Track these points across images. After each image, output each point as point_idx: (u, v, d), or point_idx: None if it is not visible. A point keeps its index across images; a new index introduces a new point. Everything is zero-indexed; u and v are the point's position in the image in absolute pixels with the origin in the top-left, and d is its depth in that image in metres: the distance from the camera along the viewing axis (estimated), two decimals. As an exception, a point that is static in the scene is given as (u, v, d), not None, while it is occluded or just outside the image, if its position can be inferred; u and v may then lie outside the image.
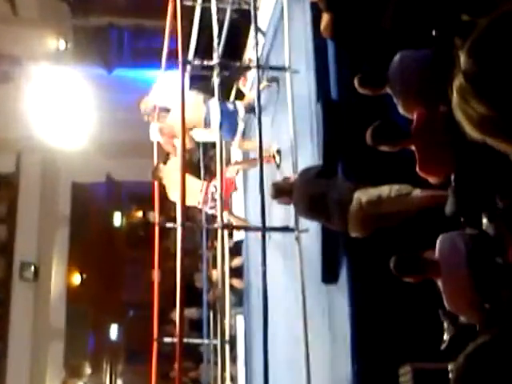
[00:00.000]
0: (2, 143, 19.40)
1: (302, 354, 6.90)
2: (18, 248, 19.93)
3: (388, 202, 5.44)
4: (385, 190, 5.50)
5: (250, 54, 10.36)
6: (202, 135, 9.98)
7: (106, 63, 21.19)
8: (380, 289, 5.84)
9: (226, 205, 9.12)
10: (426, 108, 4.48)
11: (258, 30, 8.28)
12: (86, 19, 21.15)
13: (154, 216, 11.38)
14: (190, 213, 11.83)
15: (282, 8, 8.25)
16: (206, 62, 8.37)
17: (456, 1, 4.32)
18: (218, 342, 9.69)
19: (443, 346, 4.34)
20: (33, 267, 19.86)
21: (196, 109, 9.27)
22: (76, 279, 20.75)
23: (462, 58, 1.37)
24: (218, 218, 7.43)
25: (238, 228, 10.85)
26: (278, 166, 9.21)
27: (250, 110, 9.17)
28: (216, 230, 8.50)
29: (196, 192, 9.52)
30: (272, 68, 9.00)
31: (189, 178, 8.91)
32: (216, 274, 11.80)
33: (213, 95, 8.67)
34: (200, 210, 11.17)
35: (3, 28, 19.79)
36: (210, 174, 12.46)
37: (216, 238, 10.55)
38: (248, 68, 9.86)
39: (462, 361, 3.17)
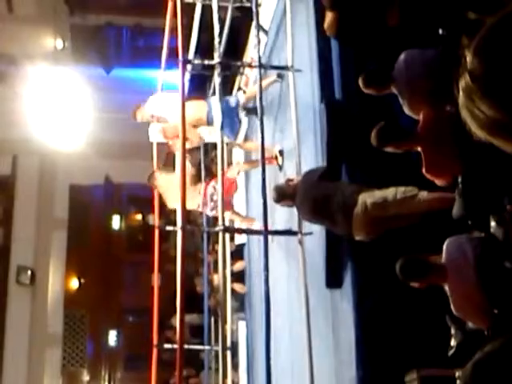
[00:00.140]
0: (-2, 145, 19.38)
1: (305, 360, 6.83)
2: (14, 252, 19.89)
3: (393, 204, 5.39)
4: (390, 193, 5.44)
5: (251, 53, 10.29)
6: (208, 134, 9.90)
7: (104, 63, 21.17)
8: (385, 293, 5.79)
9: (227, 205, 9.05)
10: (433, 108, 4.42)
11: (259, 28, 8.20)
12: (84, 17, 21.15)
13: (154, 219, 11.30)
14: (190, 216, 11.78)
15: (285, 5, 8.19)
16: (206, 62, 8.29)
17: (463, -2, 4.24)
18: (219, 348, 9.61)
19: (450, 352, 4.32)
20: (29, 271, 19.81)
21: (198, 106, 9.23)
22: (74, 284, 20.71)
23: (469, 58, 1.33)
24: (219, 221, 7.33)
25: (240, 231, 10.78)
26: (281, 167, 9.15)
27: (252, 110, 9.11)
28: (217, 233, 8.39)
29: (195, 195, 9.45)
30: (274, 67, 8.94)
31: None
32: (217, 279, 11.71)
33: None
34: (201, 213, 11.11)
35: (-2, 26, 19.75)
36: (210, 176, 12.40)
37: (217, 241, 10.48)
38: (250, 67, 9.80)
39: (470, 369, 3.08)
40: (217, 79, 7.89)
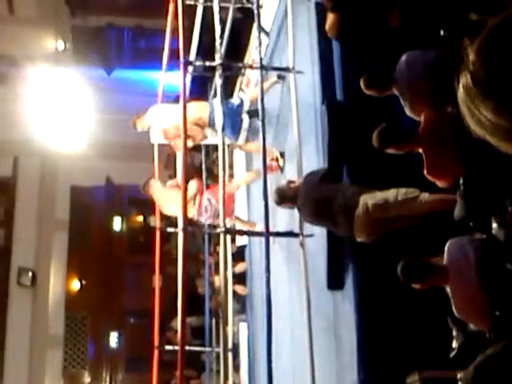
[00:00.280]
0: (-1, 146, 19.36)
1: (306, 362, 6.81)
2: (15, 253, 19.85)
3: (395, 206, 5.38)
4: (391, 194, 5.44)
5: (253, 55, 10.28)
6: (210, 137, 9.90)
7: (105, 64, 21.15)
8: (387, 295, 5.78)
9: (227, 214, 9.03)
10: (434, 110, 4.41)
11: (261, 29, 8.20)
12: (85, 19, 21.14)
13: (155, 220, 11.29)
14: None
15: (286, 7, 8.18)
16: (208, 63, 8.28)
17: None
18: (220, 350, 9.62)
19: (452, 354, 4.30)
20: (30, 273, 19.77)
21: (200, 107, 9.23)
22: (75, 285, 20.67)
23: (471, 59, 1.32)
24: (221, 222, 7.33)
25: (241, 233, 10.77)
26: (282, 169, 9.14)
27: (253, 112, 9.10)
28: (218, 234, 8.39)
29: (189, 206, 9.44)
30: (275, 69, 8.92)
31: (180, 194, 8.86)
32: (218, 280, 11.70)
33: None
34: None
35: (-1, 27, 19.74)
36: (212, 177, 12.39)
37: (218, 242, 10.48)
38: (251, 69, 9.79)
39: (472, 372, 3.07)
40: (218, 81, 7.89)
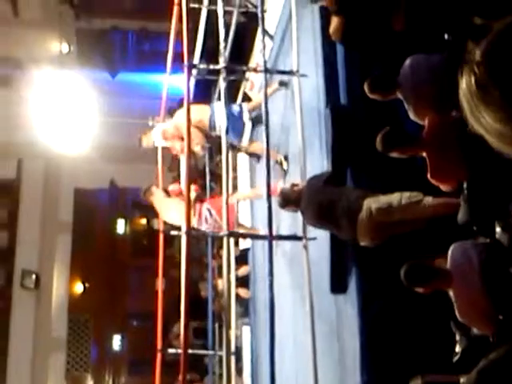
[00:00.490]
0: (3, 149, 19.38)
1: (309, 366, 6.80)
2: (18, 256, 19.87)
3: (398, 209, 5.37)
4: (395, 198, 5.43)
5: (257, 58, 10.29)
6: None
7: (109, 67, 21.18)
8: (390, 299, 5.77)
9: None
10: (438, 113, 4.40)
11: (265, 33, 8.21)
12: (90, 21, 21.17)
13: (159, 223, 11.28)
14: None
15: (290, 10, 8.17)
16: (212, 66, 8.28)
17: (469, 3, 4.22)
18: (223, 353, 9.59)
19: (455, 359, 4.28)
20: (34, 275, 19.77)
21: (200, 110, 9.24)
22: (78, 288, 20.68)
23: (475, 63, 1.31)
24: (224, 225, 7.32)
25: (245, 236, 10.76)
26: (286, 172, 9.14)
27: (257, 118, 9.10)
28: (222, 238, 8.39)
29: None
30: (280, 72, 8.91)
31: (181, 203, 8.86)
32: (222, 284, 11.69)
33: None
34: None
35: (4, 30, 19.78)
36: (215, 180, 12.39)
37: (222, 246, 10.47)
38: (255, 72, 9.79)
39: (475, 376, 3.07)
40: (222, 84, 7.88)
